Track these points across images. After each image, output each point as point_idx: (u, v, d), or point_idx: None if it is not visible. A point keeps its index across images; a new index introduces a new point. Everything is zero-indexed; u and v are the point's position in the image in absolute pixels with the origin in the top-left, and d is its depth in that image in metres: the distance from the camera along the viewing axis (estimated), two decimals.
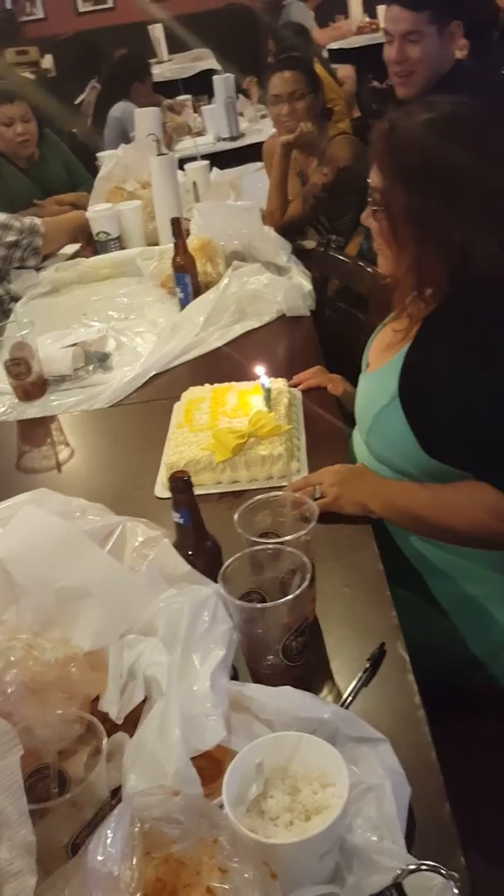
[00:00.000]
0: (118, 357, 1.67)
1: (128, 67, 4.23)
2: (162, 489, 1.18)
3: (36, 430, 1.47)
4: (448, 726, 0.80)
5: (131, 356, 1.67)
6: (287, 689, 0.71)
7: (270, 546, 0.80)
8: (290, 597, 0.73)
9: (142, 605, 0.74)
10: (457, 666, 1.09)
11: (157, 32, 5.43)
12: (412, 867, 0.53)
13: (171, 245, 1.82)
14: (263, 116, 4.47)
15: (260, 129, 4.27)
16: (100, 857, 0.53)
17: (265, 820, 0.61)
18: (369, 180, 1.05)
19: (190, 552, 0.84)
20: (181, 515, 0.83)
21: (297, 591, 0.73)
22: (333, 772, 0.62)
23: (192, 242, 1.91)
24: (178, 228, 1.78)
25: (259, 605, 0.74)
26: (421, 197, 0.97)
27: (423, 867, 0.53)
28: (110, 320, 1.88)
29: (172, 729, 0.63)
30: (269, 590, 0.80)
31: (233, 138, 4.08)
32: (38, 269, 2.18)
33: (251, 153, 3.83)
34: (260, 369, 1.27)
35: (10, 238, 1.97)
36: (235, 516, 0.84)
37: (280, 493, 0.88)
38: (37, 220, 2.05)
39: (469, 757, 0.88)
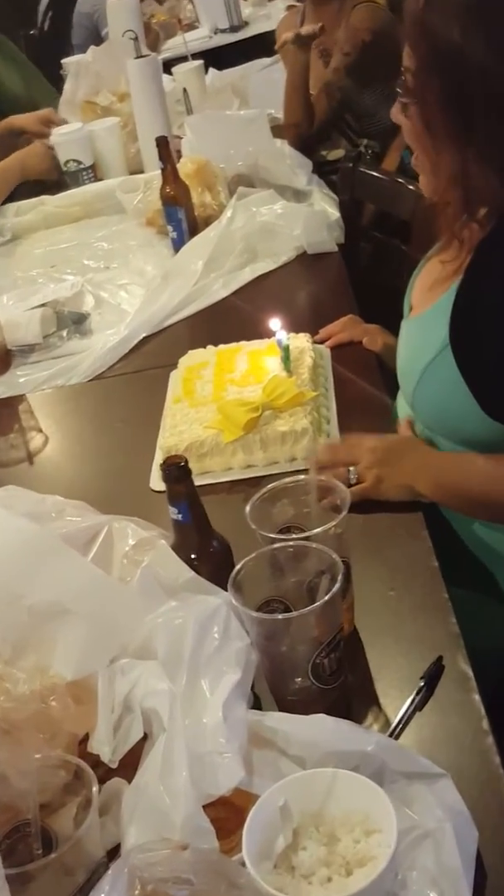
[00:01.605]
0: (98, 318, 1.69)
1: None
2: (158, 480, 1.20)
3: (0, 414, 1.50)
4: None
5: (115, 315, 1.69)
6: (320, 718, 0.73)
7: (292, 543, 0.81)
8: (317, 604, 0.75)
9: (135, 621, 0.76)
10: None
11: None
12: None
13: (159, 172, 1.83)
14: None
15: (267, 13, 4.24)
16: None
17: (296, 877, 0.63)
18: (403, 64, 1.05)
19: (193, 555, 0.86)
20: (179, 511, 0.85)
21: (327, 597, 0.75)
22: (379, 815, 0.63)
23: (184, 167, 1.92)
24: (167, 150, 1.79)
25: (280, 616, 0.76)
26: (463, 83, 0.97)
27: None
28: (86, 272, 1.90)
29: (179, 771, 0.65)
30: (293, 597, 0.82)
31: (233, 29, 4.06)
32: None
33: (258, 46, 3.81)
34: (276, 323, 1.29)
35: None
36: (247, 508, 0.86)
37: (302, 476, 0.90)
38: None
39: None
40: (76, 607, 0.73)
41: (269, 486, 0.89)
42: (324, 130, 2.48)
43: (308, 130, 2.44)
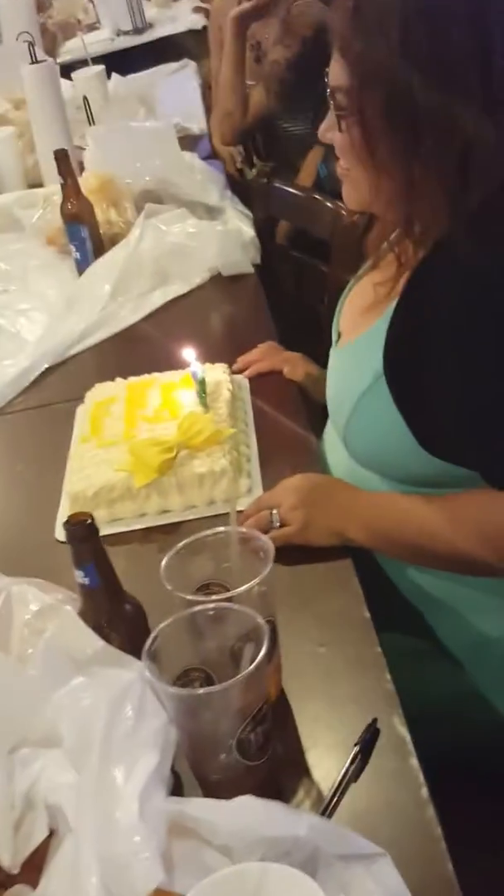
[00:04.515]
0: None
1: None
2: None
3: None
4: (470, 822, 0.81)
5: (13, 344, 1.65)
6: (246, 801, 0.70)
7: (212, 605, 0.79)
8: (240, 676, 0.72)
9: (37, 704, 0.72)
10: (478, 736, 1.10)
11: None
12: None
13: (59, 187, 1.80)
14: None
15: (173, 15, 4.26)
16: None
17: None
18: (327, 79, 1.02)
19: (103, 622, 0.82)
20: (86, 574, 0.81)
21: (251, 667, 0.72)
22: None
23: (87, 182, 1.89)
24: (67, 164, 1.76)
25: (200, 691, 0.73)
26: (406, 93, 0.93)
27: None
28: None
29: (87, 877, 0.62)
30: (216, 664, 0.79)
31: (137, 31, 4.06)
32: None
33: (164, 50, 3.82)
34: (190, 354, 1.26)
35: None
36: (162, 567, 0.83)
37: (221, 528, 0.87)
38: None
39: (499, 861, 0.89)
40: None
41: (185, 540, 0.86)
42: (265, 124, 2.49)
43: (241, 121, 2.44)
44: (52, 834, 0.68)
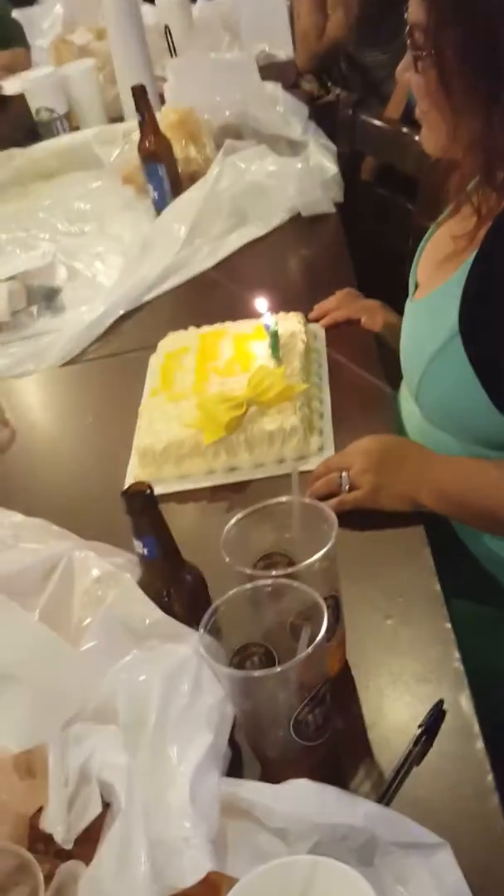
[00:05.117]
0: (71, 292, 1.62)
1: None
2: None
3: None
4: None
5: (89, 289, 1.62)
6: (301, 786, 0.68)
7: (270, 582, 0.76)
8: (298, 658, 0.69)
9: (93, 678, 0.71)
10: None
11: None
12: None
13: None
14: None
15: None
16: None
17: None
18: (406, 15, 0.97)
19: (162, 592, 0.81)
20: (145, 545, 0.79)
21: (309, 650, 0.69)
22: None
23: (166, 117, 1.83)
24: (145, 100, 1.70)
25: (255, 673, 0.70)
26: (487, 29, 0.89)
27: None
28: (59, 237, 1.82)
29: (137, 861, 0.61)
30: (275, 640, 0.76)
31: None
32: None
33: None
34: (263, 304, 1.21)
35: None
36: (222, 539, 0.80)
37: (285, 498, 0.84)
38: None
39: None
40: (20, 672, 0.67)
41: (247, 510, 0.83)
42: (344, 48, 2.38)
43: (317, 43, 2.34)
44: (106, 808, 0.68)
